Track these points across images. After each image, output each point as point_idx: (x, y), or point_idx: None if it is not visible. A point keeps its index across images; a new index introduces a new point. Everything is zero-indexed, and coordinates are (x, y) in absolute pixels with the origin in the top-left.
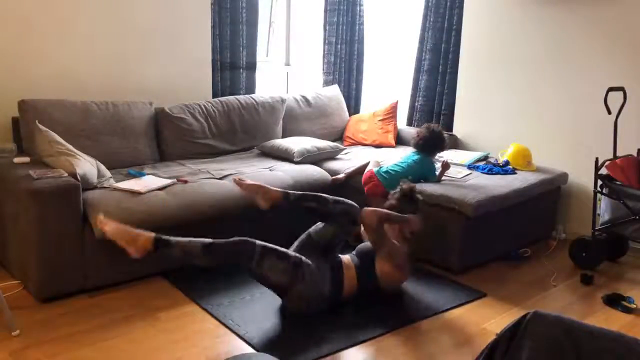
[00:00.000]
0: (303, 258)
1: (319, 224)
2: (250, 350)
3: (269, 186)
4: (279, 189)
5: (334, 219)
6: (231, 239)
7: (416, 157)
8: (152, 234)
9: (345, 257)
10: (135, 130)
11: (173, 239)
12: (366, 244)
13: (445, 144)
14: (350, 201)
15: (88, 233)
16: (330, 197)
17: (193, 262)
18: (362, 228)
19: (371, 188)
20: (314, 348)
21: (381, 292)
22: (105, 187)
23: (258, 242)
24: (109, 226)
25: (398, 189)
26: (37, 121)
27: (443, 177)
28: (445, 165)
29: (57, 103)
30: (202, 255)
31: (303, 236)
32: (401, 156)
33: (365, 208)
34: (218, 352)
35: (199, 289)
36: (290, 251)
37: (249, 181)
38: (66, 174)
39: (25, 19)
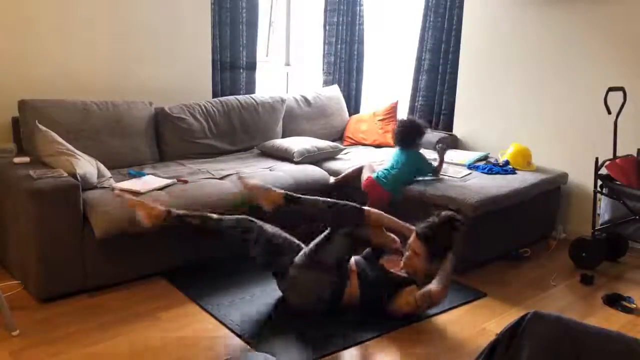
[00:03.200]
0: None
1: (324, 239)
2: (249, 350)
3: (271, 188)
4: (280, 191)
5: (339, 226)
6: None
7: (402, 154)
8: (165, 209)
9: (351, 262)
10: (135, 130)
11: (183, 211)
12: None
13: (423, 128)
14: (353, 204)
15: (88, 233)
16: (331, 200)
17: (208, 225)
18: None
19: (376, 196)
20: (313, 348)
21: (386, 310)
22: (105, 187)
23: (257, 221)
24: (125, 195)
25: (433, 218)
26: (37, 121)
27: (442, 177)
28: (442, 151)
29: (57, 103)
30: (211, 221)
31: (311, 247)
32: (390, 157)
33: (367, 208)
34: (218, 352)
35: (199, 288)
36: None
37: (253, 181)
38: (66, 174)
39: (25, 19)
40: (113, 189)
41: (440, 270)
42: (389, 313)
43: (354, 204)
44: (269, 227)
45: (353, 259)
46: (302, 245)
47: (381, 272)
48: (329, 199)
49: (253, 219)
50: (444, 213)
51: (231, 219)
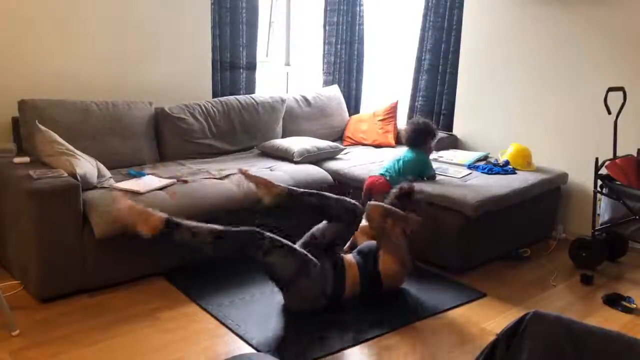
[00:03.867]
0: (309, 254)
1: (321, 224)
2: (250, 350)
3: (273, 181)
4: (282, 185)
5: (335, 216)
6: (241, 228)
7: (410, 153)
8: (164, 215)
9: (348, 256)
10: (135, 130)
11: (184, 222)
12: (367, 244)
13: (434, 131)
14: (352, 200)
15: (88, 233)
16: (333, 195)
17: (201, 248)
18: (357, 232)
19: (379, 187)
20: (313, 348)
21: (382, 291)
22: (105, 187)
23: (267, 233)
24: (124, 204)
25: (398, 188)
26: (37, 121)
27: (442, 177)
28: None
29: (57, 103)
30: (210, 242)
31: (306, 235)
32: (395, 155)
33: (370, 202)
34: (218, 352)
35: (199, 289)
36: (297, 246)
37: (254, 176)
38: (66, 174)
39: (25, 19)
40: (113, 188)
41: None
42: (386, 290)
43: (354, 202)
44: (278, 241)
45: (350, 255)
46: (310, 256)
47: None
48: (324, 193)
49: (258, 230)
50: (405, 185)
51: (237, 229)
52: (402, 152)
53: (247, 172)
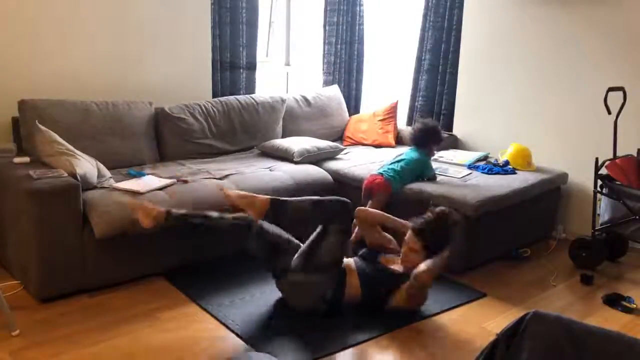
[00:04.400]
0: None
1: (320, 233)
2: (250, 350)
3: (255, 195)
4: (265, 197)
5: (329, 223)
6: (233, 216)
7: (414, 153)
8: (269, 198)
9: (348, 261)
10: (135, 130)
11: (285, 199)
12: (369, 252)
13: (441, 136)
14: (339, 198)
15: (88, 233)
16: (315, 198)
17: (210, 222)
18: (364, 224)
19: (378, 186)
20: (313, 348)
21: (386, 306)
22: (105, 187)
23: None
24: (232, 193)
25: (428, 214)
26: (37, 121)
27: (442, 177)
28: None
29: (57, 103)
30: (203, 222)
31: (304, 248)
32: (398, 154)
33: (359, 207)
34: (218, 352)
35: (199, 289)
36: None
37: (234, 192)
38: (66, 174)
39: (25, 19)
40: (113, 188)
41: (432, 258)
42: (389, 310)
43: (339, 198)
44: (270, 226)
45: (352, 259)
46: (302, 245)
47: (381, 270)
48: (313, 197)
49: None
50: (438, 208)
51: (233, 216)
52: (404, 151)
53: (226, 192)
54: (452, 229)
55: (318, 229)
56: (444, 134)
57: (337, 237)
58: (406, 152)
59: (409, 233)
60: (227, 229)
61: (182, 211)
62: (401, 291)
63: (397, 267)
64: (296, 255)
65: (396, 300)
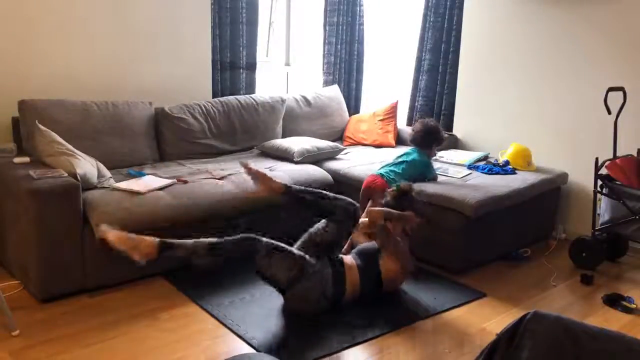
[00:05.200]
0: (307, 256)
1: (320, 224)
2: (250, 350)
3: (273, 177)
4: (281, 182)
5: (333, 215)
6: (237, 237)
7: (414, 154)
8: (156, 239)
9: (347, 257)
10: (135, 130)
11: (177, 242)
12: (367, 245)
13: (442, 137)
14: (349, 199)
15: (88, 233)
16: (331, 193)
17: (197, 261)
18: (356, 232)
19: (378, 188)
20: (313, 348)
21: (382, 291)
22: (105, 187)
23: (264, 239)
24: (111, 235)
25: (395, 187)
26: (37, 121)
27: (443, 177)
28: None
29: (57, 103)
30: (206, 255)
31: (304, 236)
32: (398, 154)
33: (370, 207)
34: (218, 352)
35: (199, 289)
36: (295, 249)
37: (256, 167)
38: (66, 174)
39: (26, 19)
40: (113, 188)
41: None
42: (386, 290)
43: (352, 201)
44: (274, 245)
45: (349, 256)
46: (308, 258)
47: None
48: (322, 191)
49: (255, 237)
50: (402, 185)
51: (235, 239)
52: (404, 151)
53: (249, 166)
54: (415, 200)
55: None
56: (445, 134)
57: (337, 225)
58: (407, 152)
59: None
60: (231, 255)
61: (180, 242)
62: (382, 259)
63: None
64: (297, 245)
65: (384, 265)
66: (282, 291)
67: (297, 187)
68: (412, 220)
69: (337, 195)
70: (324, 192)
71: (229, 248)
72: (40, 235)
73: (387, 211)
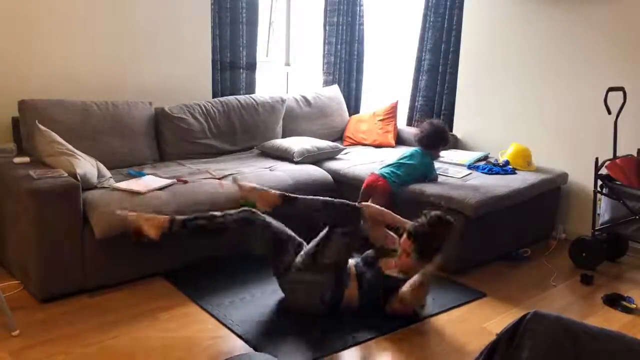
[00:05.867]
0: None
1: (327, 234)
2: (250, 350)
3: (268, 189)
4: (276, 192)
5: (331, 223)
6: (345, 202)
7: (418, 155)
8: (166, 217)
9: (350, 264)
10: (135, 130)
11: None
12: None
13: (449, 137)
14: (349, 202)
15: (88, 233)
16: (329, 199)
17: (203, 234)
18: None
19: (379, 191)
20: (313, 348)
21: (383, 312)
22: (105, 187)
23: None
24: (130, 215)
25: (423, 218)
26: (37, 121)
27: (443, 177)
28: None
29: (57, 103)
30: (211, 227)
31: (313, 249)
32: (401, 153)
33: (368, 203)
34: (218, 352)
35: (199, 289)
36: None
37: (249, 184)
38: (66, 174)
39: (26, 19)
40: (113, 188)
41: (420, 272)
42: (387, 314)
43: (350, 202)
44: (274, 222)
45: (352, 261)
46: (305, 244)
47: (379, 274)
48: (325, 198)
49: (256, 212)
50: (434, 212)
51: (235, 212)
52: (406, 152)
53: (240, 183)
54: (447, 234)
55: (325, 230)
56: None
57: (343, 239)
58: (410, 152)
59: (403, 236)
60: (232, 226)
61: (184, 217)
62: (398, 295)
63: (393, 271)
64: (301, 254)
65: (392, 305)
66: (277, 274)
67: (294, 196)
68: (433, 272)
69: (335, 201)
70: (322, 198)
71: (234, 217)
72: (40, 235)
73: (417, 285)
